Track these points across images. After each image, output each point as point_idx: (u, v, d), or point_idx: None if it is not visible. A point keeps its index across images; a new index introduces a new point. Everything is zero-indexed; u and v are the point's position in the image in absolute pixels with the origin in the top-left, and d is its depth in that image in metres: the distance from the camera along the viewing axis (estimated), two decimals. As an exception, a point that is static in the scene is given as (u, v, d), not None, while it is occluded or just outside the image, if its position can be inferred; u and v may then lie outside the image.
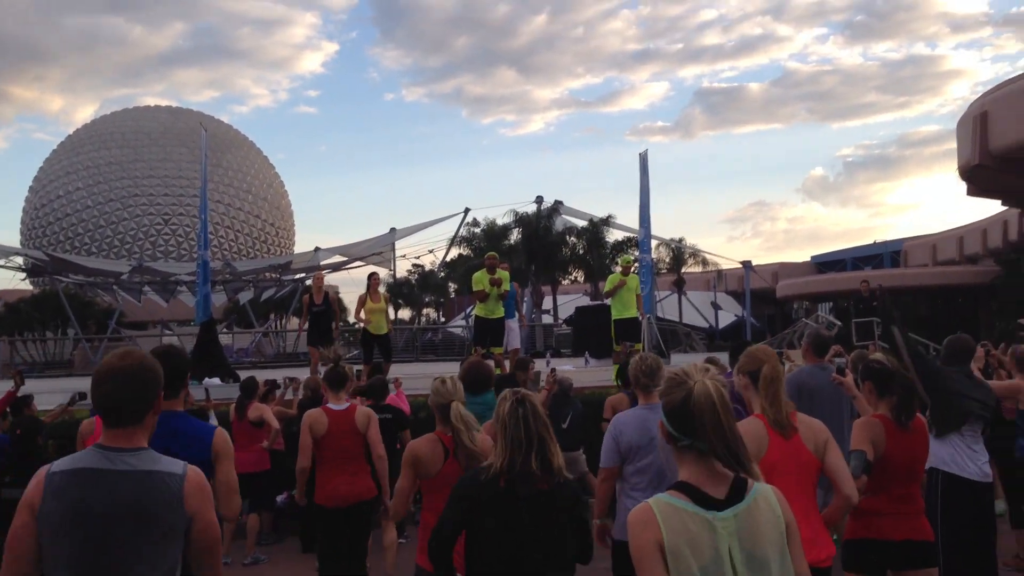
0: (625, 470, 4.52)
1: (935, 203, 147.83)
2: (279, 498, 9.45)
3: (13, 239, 70.43)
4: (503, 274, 12.26)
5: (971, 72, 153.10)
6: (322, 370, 12.32)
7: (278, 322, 58.74)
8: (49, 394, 11.71)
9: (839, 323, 24.37)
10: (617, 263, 18.07)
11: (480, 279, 12.14)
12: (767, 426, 3.63)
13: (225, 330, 46.05)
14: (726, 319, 50.27)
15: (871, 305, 18.95)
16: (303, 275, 48.56)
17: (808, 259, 68.65)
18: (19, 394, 8.67)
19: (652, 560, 2.21)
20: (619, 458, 4.51)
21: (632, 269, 13.90)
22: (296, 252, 66.18)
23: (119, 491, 2.45)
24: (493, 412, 3.60)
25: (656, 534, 2.21)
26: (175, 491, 2.51)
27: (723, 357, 11.37)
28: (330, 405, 5.99)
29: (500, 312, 12.31)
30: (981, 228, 47.63)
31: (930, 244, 54.89)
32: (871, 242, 66.98)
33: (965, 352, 5.50)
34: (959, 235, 50.87)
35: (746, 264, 42.21)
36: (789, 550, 2.33)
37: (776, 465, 3.52)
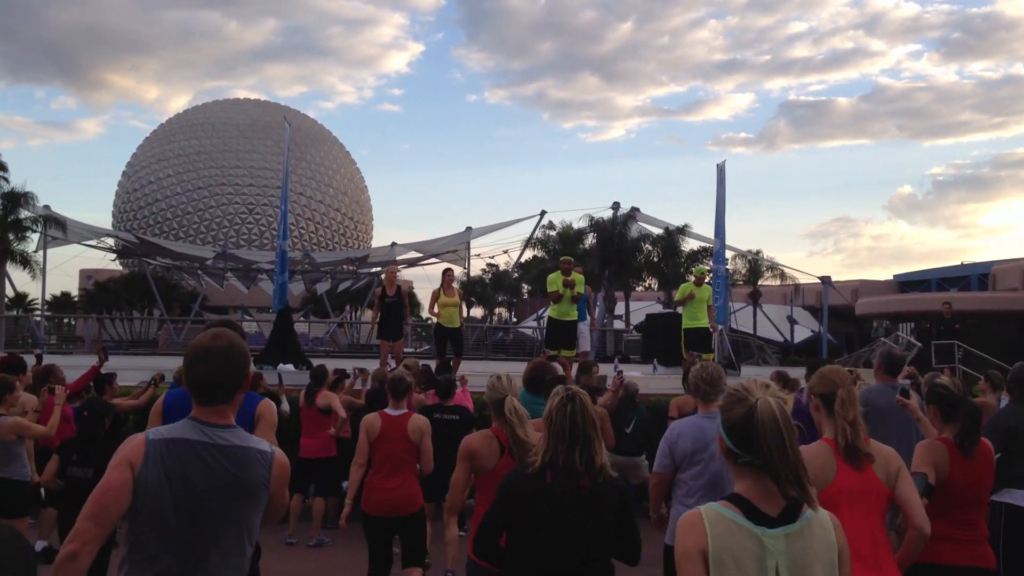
0: (679, 477, 4.51)
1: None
2: (344, 484, 9.64)
3: (105, 220, 73.13)
4: (577, 277, 12.42)
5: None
6: (391, 363, 12.68)
7: (353, 313, 59.76)
8: (133, 371, 12.22)
9: (919, 344, 23.61)
10: (691, 272, 18.02)
11: (555, 280, 12.35)
12: (835, 452, 3.49)
13: (302, 319, 47.06)
14: (802, 334, 49.26)
15: (953, 328, 18.37)
16: (379, 269, 49.27)
17: (891, 277, 66.64)
18: (103, 370, 9.03)
19: (693, 565, 2.23)
20: (672, 465, 4.52)
21: (706, 280, 13.83)
22: (373, 246, 67.14)
23: (218, 463, 2.58)
24: None
25: (701, 541, 2.23)
26: (267, 467, 2.68)
27: (794, 372, 11.22)
28: (387, 410, 6.12)
29: (573, 315, 12.47)
30: (1077, 253, 45.54)
31: (1020, 268, 52.70)
32: (958, 263, 64.64)
33: None
34: (1053, 260, 48.80)
35: (825, 279, 41.32)
36: None
37: (843, 491, 3.40)
